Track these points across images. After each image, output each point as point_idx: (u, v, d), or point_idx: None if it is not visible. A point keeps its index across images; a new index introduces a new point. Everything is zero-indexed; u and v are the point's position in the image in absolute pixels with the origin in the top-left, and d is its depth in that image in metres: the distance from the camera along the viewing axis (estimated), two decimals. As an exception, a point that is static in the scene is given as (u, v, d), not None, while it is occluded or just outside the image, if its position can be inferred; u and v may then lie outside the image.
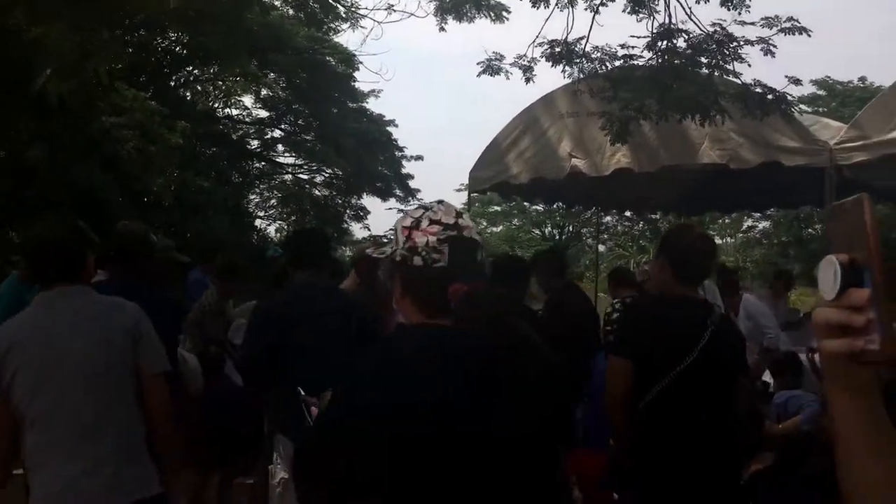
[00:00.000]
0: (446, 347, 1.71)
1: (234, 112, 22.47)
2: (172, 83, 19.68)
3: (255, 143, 23.12)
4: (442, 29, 9.22)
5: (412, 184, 23.21)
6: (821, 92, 31.55)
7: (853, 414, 0.88)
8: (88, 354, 2.69)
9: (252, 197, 24.13)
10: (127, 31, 14.91)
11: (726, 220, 33.84)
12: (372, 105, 22.55)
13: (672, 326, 2.94)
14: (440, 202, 1.83)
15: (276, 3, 14.65)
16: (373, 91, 22.22)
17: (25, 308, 2.87)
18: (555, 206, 20.41)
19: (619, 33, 6.54)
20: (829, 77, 31.91)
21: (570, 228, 33.16)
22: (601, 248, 27.29)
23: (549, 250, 8.48)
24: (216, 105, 22.08)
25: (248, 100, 21.97)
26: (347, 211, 24.21)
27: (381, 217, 25.19)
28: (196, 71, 20.18)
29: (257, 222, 23.82)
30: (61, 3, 5.27)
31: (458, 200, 18.74)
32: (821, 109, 25.96)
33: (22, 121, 10.32)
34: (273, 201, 25.05)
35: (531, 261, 5.59)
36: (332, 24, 16.04)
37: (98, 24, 5.70)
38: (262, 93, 21.36)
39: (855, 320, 0.82)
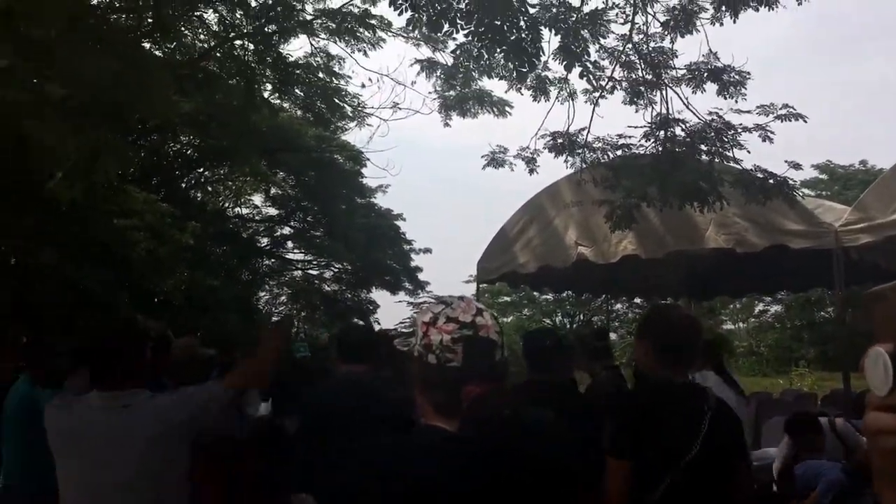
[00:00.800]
0: (444, 452, 1.68)
1: (245, 211, 22.96)
2: (183, 184, 20.09)
3: (264, 241, 23.41)
4: (447, 124, 9.48)
5: (421, 276, 23.37)
6: (823, 176, 31.97)
7: None
8: (129, 469, 2.63)
9: (262, 294, 24.26)
10: (140, 135, 15.31)
11: (738, 305, 33.74)
12: (380, 200, 23.02)
13: (669, 419, 2.75)
14: (461, 298, 1.82)
15: (285, 105, 15.06)
16: (380, 186, 22.68)
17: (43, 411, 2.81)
18: (564, 294, 20.38)
19: (620, 123, 6.64)
20: (830, 161, 32.43)
21: (581, 317, 32.98)
22: (613, 335, 27.03)
23: (593, 330, 8.35)
24: (226, 204, 22.48)
25: (257, 198, 22.46)
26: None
27: (390, 310, 25.13)
28: (207, 172, 20.64)
29: (267, 319, 23.85)
30: (71, 111, 5.44)
31: (468, 291, 18.71)
32: (824, 193, 26.23)
33: (31, 224, 10.47)
34: (283, 297, 25.17)
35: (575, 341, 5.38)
36: (339, 124, 16.43)
37: (108, 129, 5.86)
38: (272, 191, 21.77)
39: None
